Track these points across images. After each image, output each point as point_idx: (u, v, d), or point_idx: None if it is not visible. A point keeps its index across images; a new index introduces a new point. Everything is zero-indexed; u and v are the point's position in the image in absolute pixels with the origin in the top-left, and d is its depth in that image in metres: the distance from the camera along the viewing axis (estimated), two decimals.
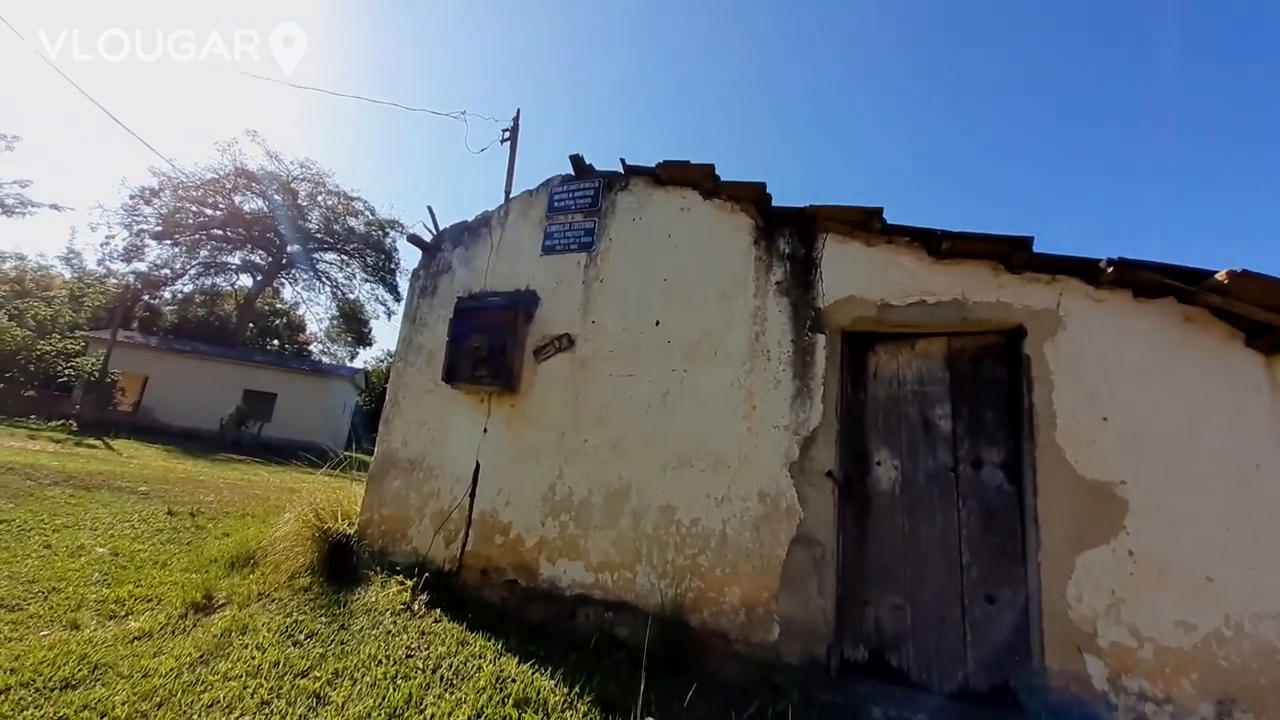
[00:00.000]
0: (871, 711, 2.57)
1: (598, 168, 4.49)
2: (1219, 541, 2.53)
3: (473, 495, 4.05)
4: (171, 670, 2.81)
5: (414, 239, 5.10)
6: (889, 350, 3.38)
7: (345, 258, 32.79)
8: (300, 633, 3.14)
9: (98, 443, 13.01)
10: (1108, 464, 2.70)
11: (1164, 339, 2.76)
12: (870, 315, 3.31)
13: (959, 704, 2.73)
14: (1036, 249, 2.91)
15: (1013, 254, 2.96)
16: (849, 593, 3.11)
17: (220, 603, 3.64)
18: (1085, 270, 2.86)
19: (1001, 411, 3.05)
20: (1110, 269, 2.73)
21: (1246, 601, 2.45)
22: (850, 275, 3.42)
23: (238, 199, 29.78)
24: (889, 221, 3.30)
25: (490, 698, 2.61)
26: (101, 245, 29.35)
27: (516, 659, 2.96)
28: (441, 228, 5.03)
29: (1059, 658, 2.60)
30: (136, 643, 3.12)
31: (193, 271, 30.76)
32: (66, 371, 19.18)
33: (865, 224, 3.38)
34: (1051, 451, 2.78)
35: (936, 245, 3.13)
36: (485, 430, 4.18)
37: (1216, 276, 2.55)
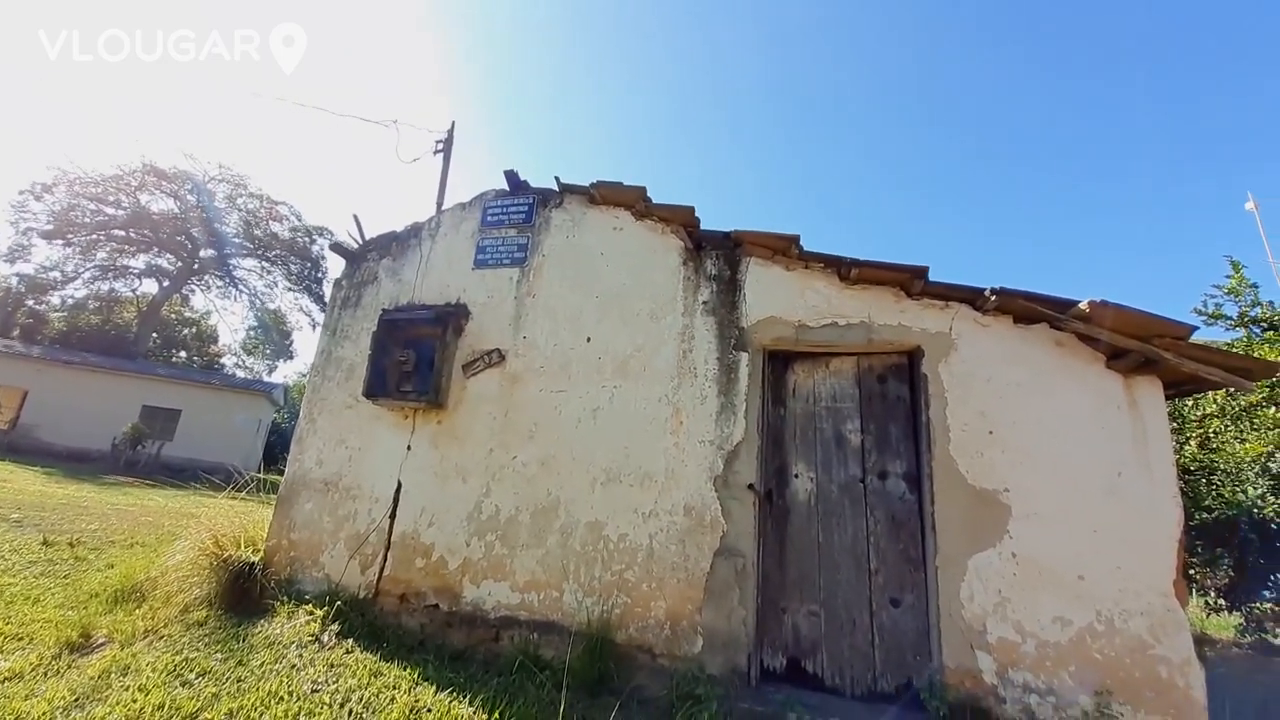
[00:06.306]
0: (787, 718, 2.65)
1: (532, 184, 4.51)
2: (1089, 543, 2.80)
3: (393, 516, 3.89)
4: (44, 714, 2.54)
5: (337, 247, 4.90)
6: (806, 369, 3.57)
7: (266, 265, 30.73)
8: (191, 671, 2.89)
9: None
10: (994, 473, 2.95)
11: (1040, 360, 3.07)
12: (789, 335, 3.49)
13: (868, 705, 2.88)
14: (936, 277, 3.19)
15: (911, 281, 3.22)
16: (768, 602, 3.21)
17: (100, 642, 3.30)
18: (973, 298, 3.16)
19: (905, 426, 3.28)
20: (993, 297, 3.02)
21: (1116, 598, 2.70)
22: (771, 297, 3.59)
23: (144, 198, 27.40)
24: (805, 248, 3.51)
25: None
26: None
27: (434, 688, 2.85)
28: (368, 237, 4.86)
29: (955, 655, 2.79)
30: (7, 684, 2.81)
31: (87, 275, 27.88)
32: None
33: (785, 250, 3.58)
34: (946, 462, 3.02)
35: (847, 271, 3.36)
36: (409, 448, 4.04)
37: (1080, 305, 2.89)
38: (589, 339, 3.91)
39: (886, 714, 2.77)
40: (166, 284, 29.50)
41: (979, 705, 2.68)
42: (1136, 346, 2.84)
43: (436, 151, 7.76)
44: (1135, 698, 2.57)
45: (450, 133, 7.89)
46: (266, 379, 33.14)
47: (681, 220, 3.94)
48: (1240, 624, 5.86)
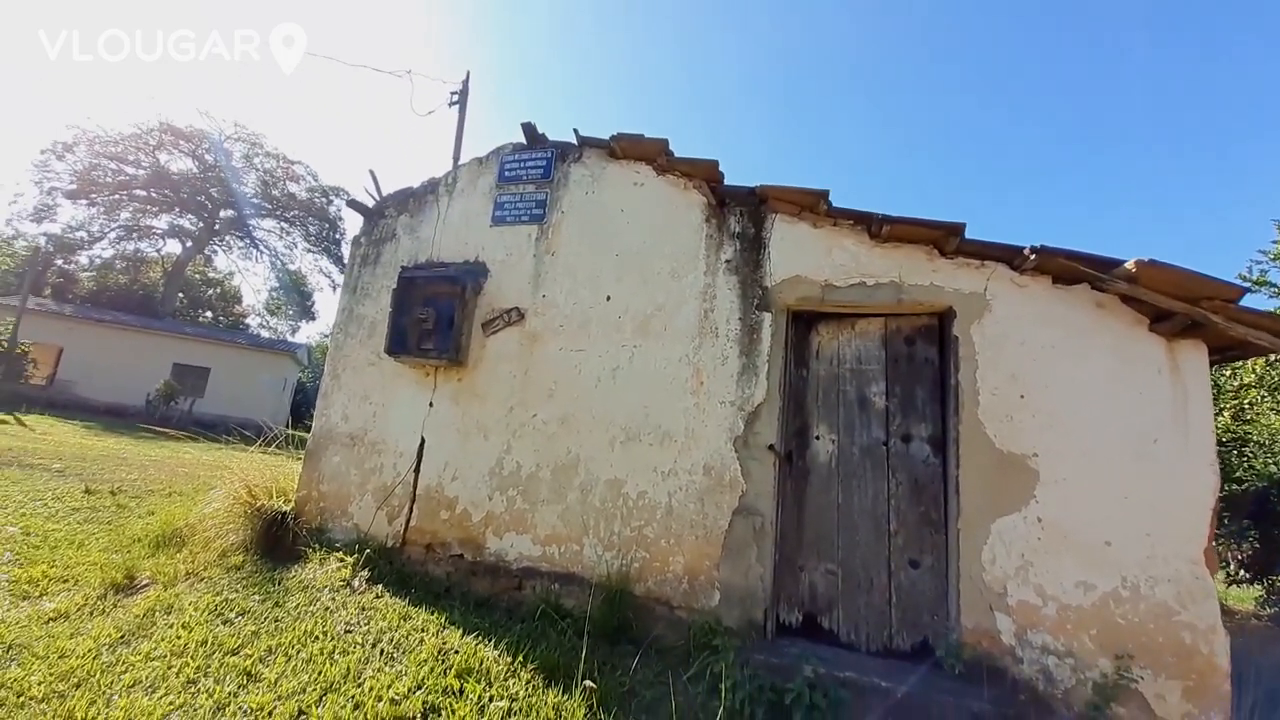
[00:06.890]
0: (802, 669, 2.69)
1: (550, 138, 4.38)
2: (1118, 509, 2.74)
3: (417, 470, 3.97)
4: (90, 651, 2.70)
5: (354, 204, 4.87)
6: (830, 329, 3.50)
7: (285, 225, 30.97)
8: (231, 611, 3.04)
9: (8, 418, 11.98)
10: (1023, 438, 2.89)
11: (1078, 322, 2.95)
12: (814, 295, 3.40)
13: (882, 661, 2.92)
14: (969, 235, 3.05)
15: (946, 239, 3.09)
16: (785, 559, 3.25)
17: (143, 583, 3.47)
18: (1010, 257, 3.02)
19: (931, 389, 3.22)
20: (1033, 256, 2.89)
21: (1143, 565, 2.66)
22: (797, 256, 3.49)
23: (163, 157, 27.54)
24: (834, 204, 3.38)
25: (432, 669, 2.61)
26: (10, 204, 26.67)
27: (460, 631, 2.96)
28: (385, 193, 4.81)
29: (973, 616, 2.80)
30: (52, 623, 2.98)
31: (112, 235, 28.38)
32: None
33: (812, 206, 3.45)
34: (973, 426, 2.96)
35: (877, 229, 3.23)
36: (431, 404, 4.09)
37: (1126, 265, 2.75)
38: (609, 298, 3.86)
39: (901, 670, 2.81)
40: (189, 244, 29.94)
41: (995, 665, 2.69)
42: (1183, 309, 2.70)
43: (452, 104, 7.57)
44: (1157, 662, 2.55)
45: (465, 83, 7.67)
46: (290, 339, 33.83)
47: (704, 175, 3.81)
48: (1261, 596, 5.81)
